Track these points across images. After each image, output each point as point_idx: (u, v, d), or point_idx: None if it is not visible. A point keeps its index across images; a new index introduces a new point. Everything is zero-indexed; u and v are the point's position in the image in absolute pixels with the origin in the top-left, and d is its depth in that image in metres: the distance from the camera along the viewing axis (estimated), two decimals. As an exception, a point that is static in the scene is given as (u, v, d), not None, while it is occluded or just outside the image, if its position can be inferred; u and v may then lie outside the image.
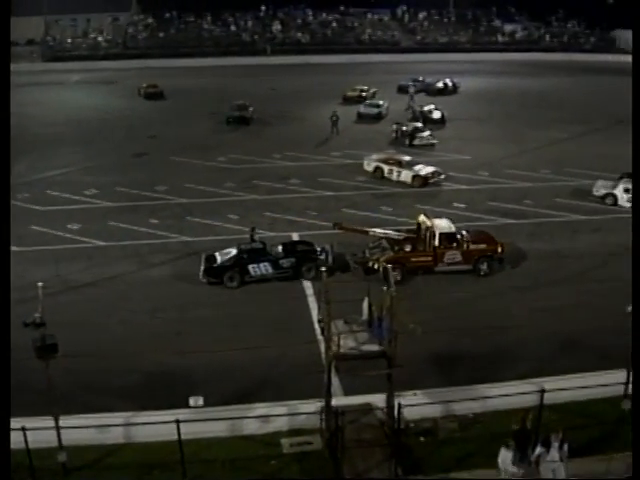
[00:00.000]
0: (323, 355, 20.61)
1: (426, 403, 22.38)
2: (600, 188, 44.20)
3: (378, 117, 66.36)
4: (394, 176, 47.47)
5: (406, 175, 47.00)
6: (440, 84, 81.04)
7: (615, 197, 43.15)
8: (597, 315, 29.30)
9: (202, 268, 33.12)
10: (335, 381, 21.97)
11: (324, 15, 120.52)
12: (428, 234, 33.82)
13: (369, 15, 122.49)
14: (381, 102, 69.36)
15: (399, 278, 31.78)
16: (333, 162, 51.98)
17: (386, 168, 47.87)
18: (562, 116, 68.16)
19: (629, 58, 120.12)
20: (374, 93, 75.65)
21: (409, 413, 21.53)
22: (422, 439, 22.08)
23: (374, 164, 48.61)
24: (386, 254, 33.57)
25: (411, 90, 74.43)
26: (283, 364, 25.73)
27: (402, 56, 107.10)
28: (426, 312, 28.89)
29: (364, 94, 74.32)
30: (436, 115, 64.26)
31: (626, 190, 42.62)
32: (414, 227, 35.09)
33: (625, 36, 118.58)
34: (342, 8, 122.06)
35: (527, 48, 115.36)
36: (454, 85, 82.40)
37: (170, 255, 35.99)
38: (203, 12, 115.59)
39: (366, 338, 20.41)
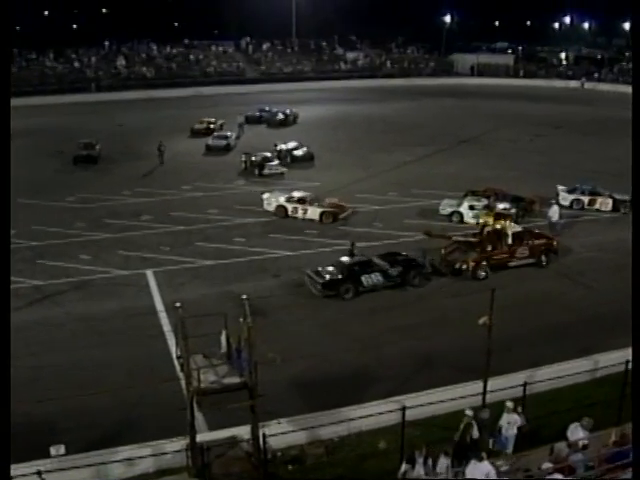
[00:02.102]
0: (184, 391, 20.46)
1: (291, 431, 22.51)
2: (446, 206, 45.82)
3: (227, 148, 66.61)
4: (299, 214, 45.76)
5: (313, 212, 45.66)
6: (281, 115, 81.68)
7: (461, 214, 44.78)
8: (450, 330, 30.45)
9: (316, 283, 34.52)
10: (199, 417, 21.86)
11: (168, 49, 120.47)
12: (502, 234, 37.54)
13: (213, 47, 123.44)
14: (229, 133, 69.85)
15: (485, 274, 36.50)
16: (184, 196, 51.73)
17: (290, 207, 46.03)
18: (406, 139, 70.60)
19: (466, 81, 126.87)
20: (222, 125, 75.88)
21: (275, 442, 21.63)
22: (290, 467, 22.13)
23: (275, 203, 46.63)
24: (470, 255, 36.97)
25: (239, 119, 75.80)
26: (145, 404, 25.24)
27: (248, 87, 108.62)
28: (288, 339, 29.34)
29: (212, 126, 74.43)
30: (300, 152, 62.23)
31: (471, 207, 44.39)
32: (477, 231, 39.50)
33: (462, 60, 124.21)
34: (186, 41, 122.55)
35: (369, 75, 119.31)
36: (294, 115, 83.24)
37: (22, 301, 34.71)
38: (45, 49, 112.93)
39: (226, 371, 20.33)
